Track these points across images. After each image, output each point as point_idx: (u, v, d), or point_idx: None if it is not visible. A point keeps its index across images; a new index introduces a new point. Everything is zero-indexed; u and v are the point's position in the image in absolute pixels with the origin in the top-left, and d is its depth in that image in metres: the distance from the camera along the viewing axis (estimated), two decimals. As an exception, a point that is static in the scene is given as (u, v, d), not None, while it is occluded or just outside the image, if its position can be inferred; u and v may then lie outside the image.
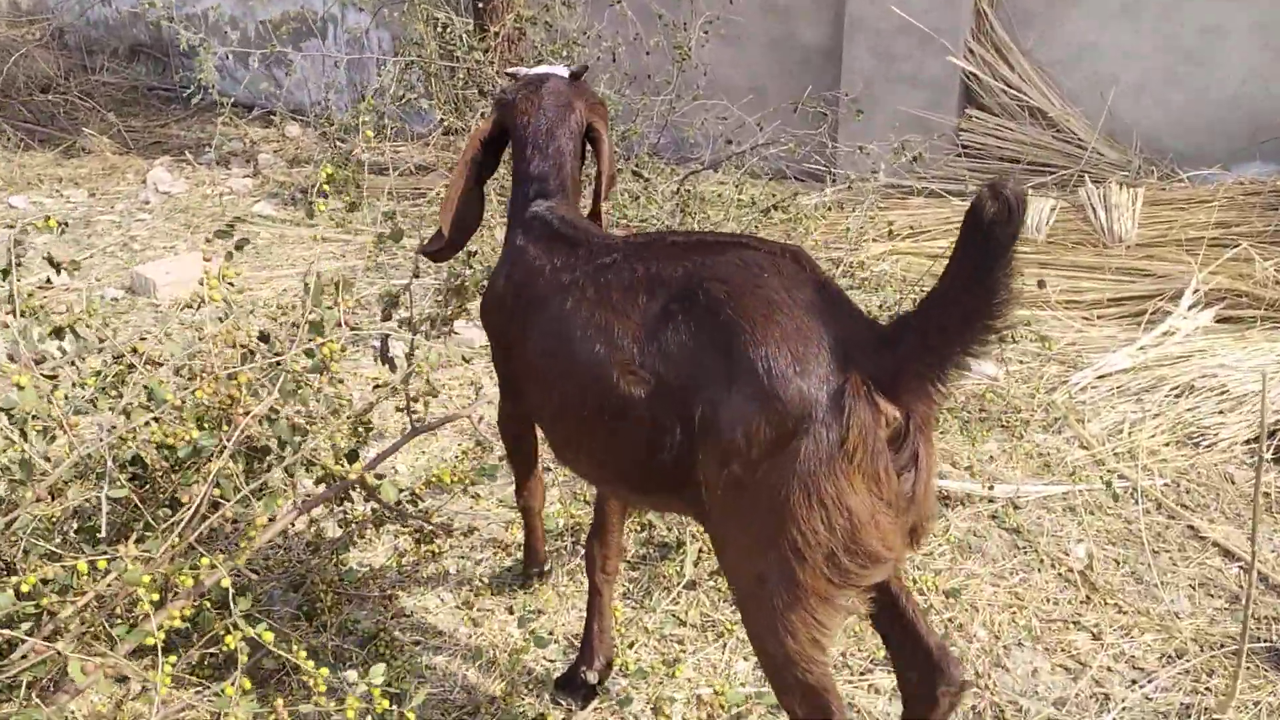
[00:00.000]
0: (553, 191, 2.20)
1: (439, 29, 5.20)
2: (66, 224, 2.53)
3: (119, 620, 1.97)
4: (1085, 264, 4.34)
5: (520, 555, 2.78)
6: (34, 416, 2.07)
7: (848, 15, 5.40)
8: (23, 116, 6.65)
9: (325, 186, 2.18)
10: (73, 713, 2.21)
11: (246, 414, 1.97)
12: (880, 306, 3.97)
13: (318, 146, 6.21)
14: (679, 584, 2.66)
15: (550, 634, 2.52)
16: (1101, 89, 5.05)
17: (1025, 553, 2.81)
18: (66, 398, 2.16)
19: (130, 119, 7.09)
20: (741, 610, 1.69)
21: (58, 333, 2.14)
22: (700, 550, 2.72)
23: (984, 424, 3.41)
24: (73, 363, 2.24)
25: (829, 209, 4.84)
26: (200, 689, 2.25)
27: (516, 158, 2.27)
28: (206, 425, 2.15)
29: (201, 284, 2.18)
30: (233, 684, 2.04)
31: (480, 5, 5.25)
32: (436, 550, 2.78)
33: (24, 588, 1.67)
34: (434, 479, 3.04)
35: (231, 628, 2.20)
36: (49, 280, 4.83)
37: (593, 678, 2.29)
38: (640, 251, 1.83)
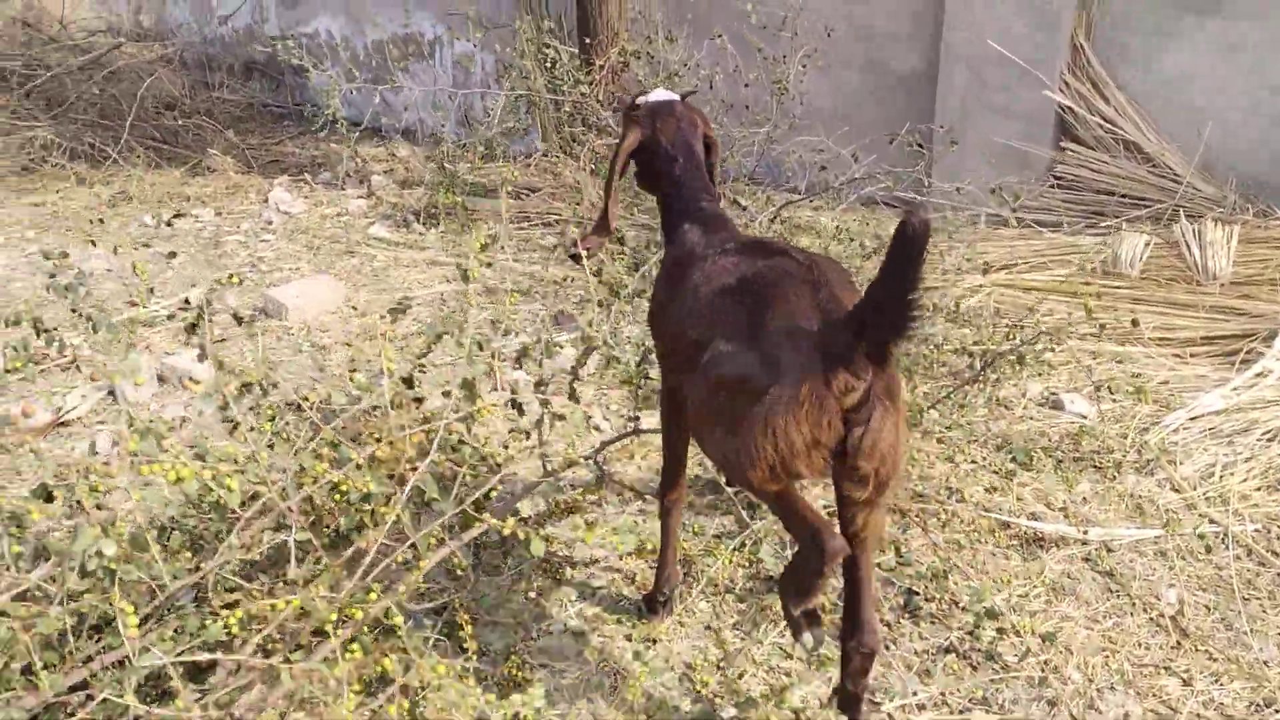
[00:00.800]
0: (706, 188, 2.72)
1: (548, 65, 5.44)
2: (242, 279, 2.92)
3: (297, 646, 2.23)
4: (1179, 301, 4.41)
5: (637, 586, 3.00)
6: (224, 460, 2.34)
7: (943, 45, 5.51)
8: (151, 135, 7.05)
9: (481, 255, 2.41)
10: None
11: (414, 468, 2.21)
12: (975, 342, 4.11)
13: (426, 168, 6.49)
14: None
15: (666, 661, 2.73)
16: (1198, 124, 5.09)
17: (1118, 596, 2.94)
18: (248, 440, 2.43)
19: (248, 136, 7.48)
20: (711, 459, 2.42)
21: (245, 386, 2.40)
22: (806, 587, 2.91)
23: (1078, 465, 3.53)
24: (252, 408, 2.52)
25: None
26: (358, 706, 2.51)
27: (667, 164, 2.74)
28: (373, 473, 2.40)
29: (371, 344, 2.42)
30: (391, 700, 2.30)
31: (587, 40, 5.47)
32: (560, 578, 3.02)
33: (231, 623, 1.93)
34: (556, 509, 3.28)
35: (389, 652, 2.46)
36: (187, 301, 5.17)
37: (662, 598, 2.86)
38: (741, 251, 2.41)
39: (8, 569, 2.04)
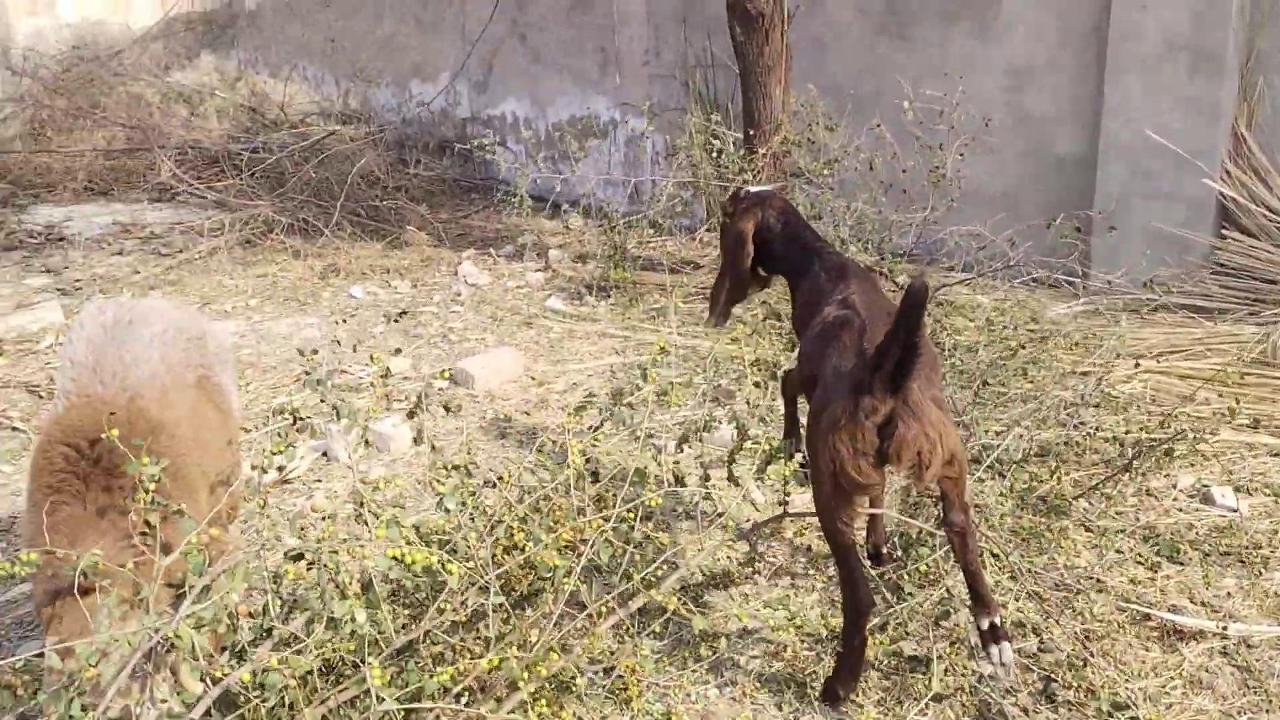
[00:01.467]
0: (821, 240, 3.49)
1: (714, 153, 5.84)
2: (452, 370, 3.57)
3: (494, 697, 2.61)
4: (1342, 394, 4.39)
5: (785, 659, 3.26)
6: (435, 532, 2.77)
7: (1102, 132, 5.63)
8: (356, 211, 7.81)
9: (660, 357, 2.76)
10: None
11: (585, 541, 2.58)
12: (1126, 431, 4.22)
13: (598, 242, 6.98)
14: (927, 695, 3.06)
15: (814, 730, 2.99)
16: (1368, 212, 5.05)
17: (1255, 693, 3.03)
18: (457, 515, 2.85)
19: (439, 210, 8.17)
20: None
21: (455, 469, 2.83)
22: (946, 668, 3.12)
23: (1224, 559, 3.61)
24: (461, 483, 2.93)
25: (1081, 340, 5.04)
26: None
27: (780, 231, 3.48)
28: (557, 547, 2.77)
29: (563, 440, 2.80)
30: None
31: (750, 132, 5.86)
32: (715, 646, 3.32)
33: (444, 679, 2.32)
34: (712, 580, 3.59)
35: (565, 704, 2.82)
36: (388, 371, 5.74)
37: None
38: (835, 301, 3.11)
39: (262, 618, 2.50)
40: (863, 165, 5.73)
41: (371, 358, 3.14)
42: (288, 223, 7.56)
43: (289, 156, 8.12)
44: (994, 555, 3.47)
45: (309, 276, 7.04)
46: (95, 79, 9.35)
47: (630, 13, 7.64)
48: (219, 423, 3.17)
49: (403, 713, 2.55)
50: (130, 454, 2.59)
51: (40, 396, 5.56)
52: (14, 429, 5.23)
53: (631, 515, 2.74)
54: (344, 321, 6.26)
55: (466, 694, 2.53)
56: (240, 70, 10.11)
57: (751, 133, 5.88)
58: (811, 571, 3.67)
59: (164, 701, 2.20)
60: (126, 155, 9.01)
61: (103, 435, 2.63)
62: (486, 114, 8.89)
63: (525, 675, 2.38)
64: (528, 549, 2.67)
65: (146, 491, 2.57)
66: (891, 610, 3.34)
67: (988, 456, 3.92)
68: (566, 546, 2.76)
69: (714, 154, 5.88)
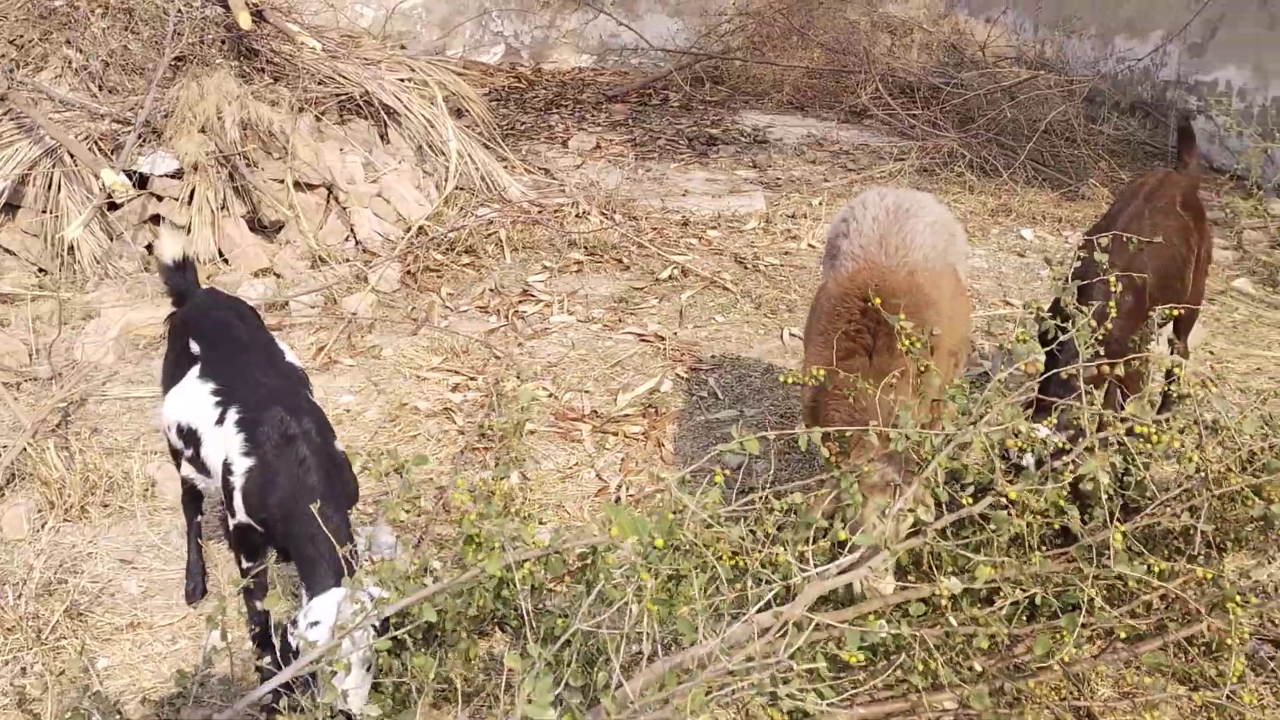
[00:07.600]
0: None
1: None
2: None
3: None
4: None
5: None
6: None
7: None
8: (1034, 156, 7.91)
9: None
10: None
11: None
12: None
13: (1304, 232, 6.43)
14: None
15: None
16: None
17: None
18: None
19: (1121, 170, 7.99)
20: None
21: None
22: None
23: None
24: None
25: None
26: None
27: None
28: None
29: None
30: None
31: None
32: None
33: (1157, 570, 2.53)
34: None
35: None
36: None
37: None
38: None
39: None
40: None
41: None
42: (969, 158, 7.89)
43: (983, 96, 8.42)
44: None
45: (980, 212, 7.33)
46: (822, 1, 10.33)
47: None
48: (965, 311, 3.62)
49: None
50: (906, 319, 3.10)
51: (745, 267, 6.55)
52: (724, 289, 6.25)
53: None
54: (1021, 256, 6.52)
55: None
56: (948, 9, 10.54)
57: None
58: None
59: (910, 511, 2.69)
60: (831, 76, 9.92)
61: (872, 300, 3.18)
62: (1194, 79, 8.41)
63: (1238, 599, 2.51)
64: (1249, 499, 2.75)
65: (912, 351, 3.08)
66: None
67: None
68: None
69: None
